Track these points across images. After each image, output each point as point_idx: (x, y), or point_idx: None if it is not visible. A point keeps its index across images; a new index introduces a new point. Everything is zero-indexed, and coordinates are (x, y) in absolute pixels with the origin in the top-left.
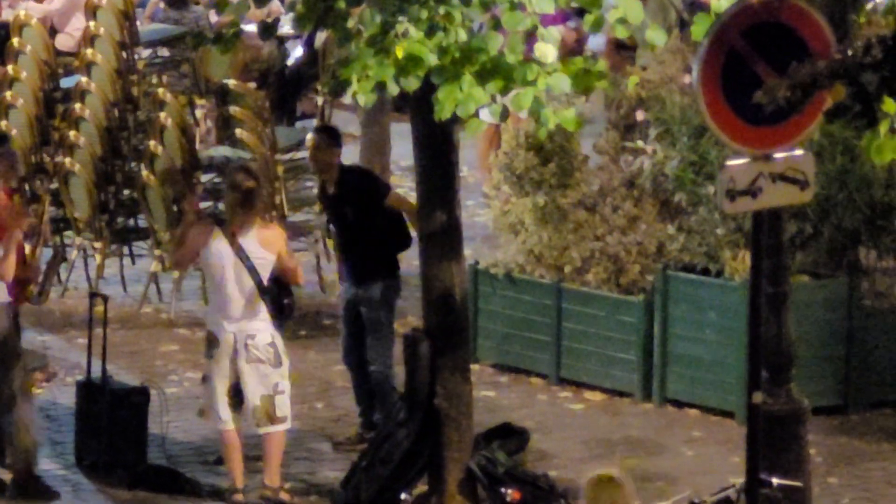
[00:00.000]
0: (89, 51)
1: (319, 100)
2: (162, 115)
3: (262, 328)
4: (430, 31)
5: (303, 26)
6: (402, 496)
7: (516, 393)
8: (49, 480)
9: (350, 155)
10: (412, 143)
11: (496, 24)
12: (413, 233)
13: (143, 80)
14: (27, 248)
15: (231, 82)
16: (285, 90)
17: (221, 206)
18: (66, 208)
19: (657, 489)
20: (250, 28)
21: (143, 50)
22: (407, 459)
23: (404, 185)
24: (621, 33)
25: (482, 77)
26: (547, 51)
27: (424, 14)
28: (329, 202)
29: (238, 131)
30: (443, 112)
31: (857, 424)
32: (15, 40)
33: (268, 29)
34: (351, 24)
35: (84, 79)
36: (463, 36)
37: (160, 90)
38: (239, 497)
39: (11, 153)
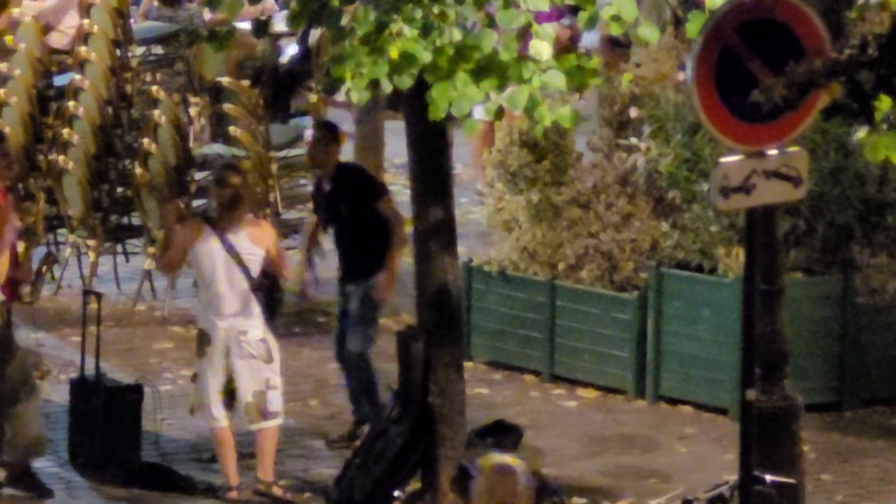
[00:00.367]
0: (83, 48)
1: (313, 97)
2: (156, 112)
3: (254, 324)
4: (425, 31)
5: (297, 24)
6: (396, 493)
7: (510, 390)
8: (43, 478)
9: (344, 153)
10: (406, 141)
11: (490, 22)
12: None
13: (137, 77)
14: (21, 247)
15: (225, 80)
16: (279, 88)
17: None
18: (59, 206)
19: (651, 486)
20: (244, 26)
21: (137, 48)
22: (400, 457)
23: (398, 183)
24: (615, 30)
25: (476, 75)
26: (541, 48)
27: (419, 13)
28: (324, 198)
29: (232, 129)
30: (437, 111)
31: (851, 421)
32: (9, 37)
33: (262, 27)
34: (345, 21)
35: (78, 76)
36: (457, 35)
37: (154, 88)
38: (233, 494)
39: (7, 151)
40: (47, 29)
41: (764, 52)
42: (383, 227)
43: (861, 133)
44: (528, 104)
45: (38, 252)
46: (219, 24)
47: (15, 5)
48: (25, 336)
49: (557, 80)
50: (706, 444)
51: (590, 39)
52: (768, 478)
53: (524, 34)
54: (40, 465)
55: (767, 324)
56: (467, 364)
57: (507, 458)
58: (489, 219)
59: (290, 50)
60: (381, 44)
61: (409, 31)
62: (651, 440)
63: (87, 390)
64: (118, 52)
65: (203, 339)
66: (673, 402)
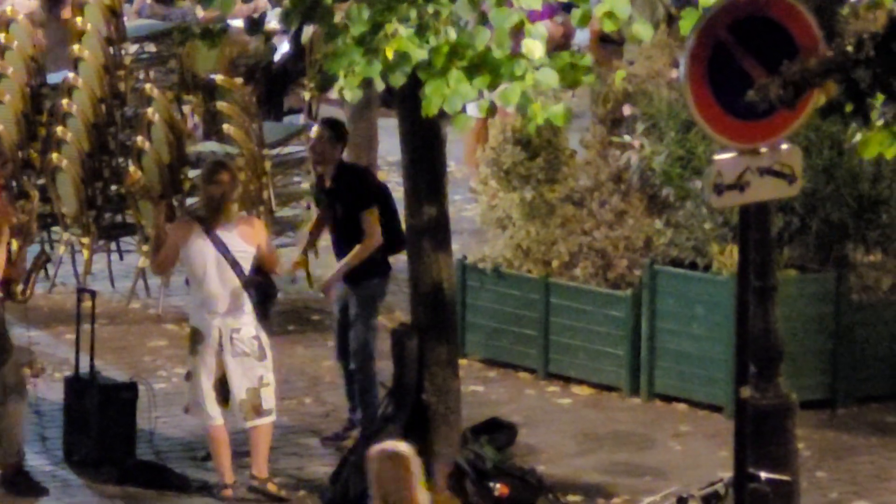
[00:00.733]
0: (76, 46)
1: (306, 95)
2: (149, 110)
3: (247, 322)
4: (420, 31)
5: (289, 22)
6: None
7: (504, 388)
8: (37, 476)
9: None
10: (399, 139)
11: (483, 20)
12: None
13: (131, 75)
14: (14, 245)
15: (218, 78)
16: (272, 85)
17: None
18: (53, 204)
19: (645, 483)
20: (237, 23)
21: (131, 45)
22: None
23: (391, 181)
24: (609, 28)
25: (470, 72)
26: (534, 47)
27: (413, 13)
28: (324, 196)
29: (225, 127)
30: (430, 108)
31: (846, 419)
32: (1, 36)
33: (254, 24)
34: (337, 19)
35: (71, 74)
36: (451, 34)
37: (147, 86)
38: (228, 492)
39: (0, 150)
40: (41, 27)
41: (757, 49)
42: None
43: (859, 134)
44: (521, 102)
45: (32, 250)
46: (212, 22)
47: None
48: (19, 334)
49: (550, 77)
50: (701, 441)
51: (582, 37)
52: (763, 475)
53: (517, 32)
54: (35, 463)
55: (761, 321)
56: (462, 361)
57: (399, 444)
58: (483, 216)
59: (283, 48)
60: (377, 44)
61: (404, 31)
62: (645, 437)
63: (81, 388)
64: (111, 49)
65: (196, 337)
66: (667, 399)
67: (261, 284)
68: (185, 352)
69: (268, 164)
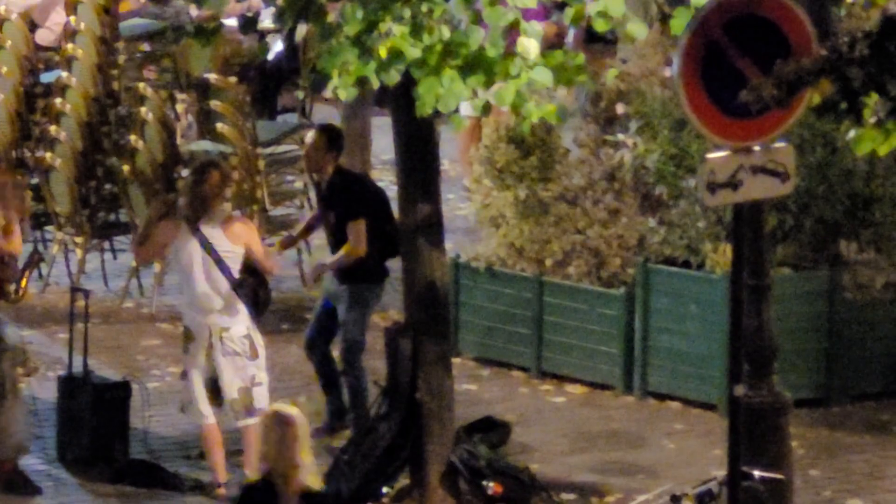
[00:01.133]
0: (70, 45)
1: (300, 94)
2: (143, 109)
3: (237, 321)
4: (414, 30)
5: (283, 21)
6: (384, 490)
7: (498, 386)
8: (31, 475)
9: None
10: (393, 137)
11: (477, 19)
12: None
13: (124, 74)
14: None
15: (212, 77)
16: (266, 84)
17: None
18: (46, 203)
19: (639, 482)
20: (230, 22)
21: (124, 44)
22: (389, 453)
23: (385, 180)
24: (601, 27)
25: (464, 71)
26: (529, 46)
27: (407, 13)
28: (321, 201)
29: (219, 126)
30: (424, 107)
31: (839, 417)
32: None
33: (248, 23)
34: (331, 18)
35: (65, 74)
36: (445, 32)
37: (141, 85)
38: (221, 491)
39: None
40: (34, 26)
41: (750, 48)
42: (373, 236)
43: (852, 131)
44: (516, 100)
45: (25, 249)
46: (206, 21)
47: None
48: (13, 334)
49: (545, 76)
50: (694, 439)
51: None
52: (757, 473)
53: (511, 31)
54: (28, 462)
55: (755, 319)
56: (455, 360)
57: (289, 408)
58: (476, 215)
59: (277, 47)
60: (370, 43)
61: (398, 29)
62: (639, 436)
63: (74, 388)
64: (105, 48)
65: (187, 336)
66: (661, 397)
67: (251, 285)
68: (179, 351)
69: (261, 163)
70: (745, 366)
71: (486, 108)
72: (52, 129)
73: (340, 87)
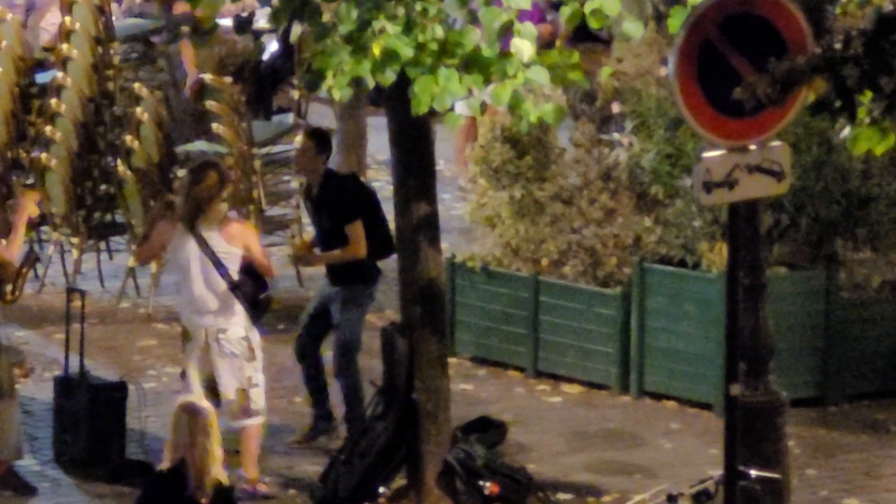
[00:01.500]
0: (65, 46)
1: (295, 94)
2: (138, 109)
3: (235, 322)
4: (408, 28)
5: (278, 20)
6: (381, 490)
7: (494, 386)
8: (27, 476)
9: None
10: (388, 137)
11: (472, 19)
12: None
13: (119, 74)
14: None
15: (207, 77)
16: (261, 84)
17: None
18: (42, 204)
19: (635, 482)
20: (225, 22)
21: (119, 45)
22: (385, 453)
23: (381, 179)
24: (594, 24)
25: (460, 71)
26: (523, 46)
27: (401, 11)
28: (311, 204)
29: (214, 126)
30: (419, 106)
31: (836, 416)
32: None
33: (243, 23)
34: (326, 17)
35: (60, 74)
36: (439, 31)
37: (136, 85)
38: None
39: None
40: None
41: (746, 47)
42: (366, 237)
43: (847, 129)
44: (512, 100)
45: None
46: (200, 22)
47: None
48: (9, 334)
49: (542, 75)
50: (690, 439)
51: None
52: (753, 473)
53: (506, 31)
54: (24, 463)
55: (751, 319)
56: (451, 360)
57: (199, 401)
58: (472, 215)
59: (272, 47)
60: (364, 41)
61: (392, 28)
62: (635, 435)
63: (71, 388)
64: (100, 49)
65: (185, 337)
66: (657, 397)
67: (248, 287)
68: (176, 351)
69: (257, 163)
70: (741, 365)
71: (482, 108)
72: (48, 129)
73: (335, 87)
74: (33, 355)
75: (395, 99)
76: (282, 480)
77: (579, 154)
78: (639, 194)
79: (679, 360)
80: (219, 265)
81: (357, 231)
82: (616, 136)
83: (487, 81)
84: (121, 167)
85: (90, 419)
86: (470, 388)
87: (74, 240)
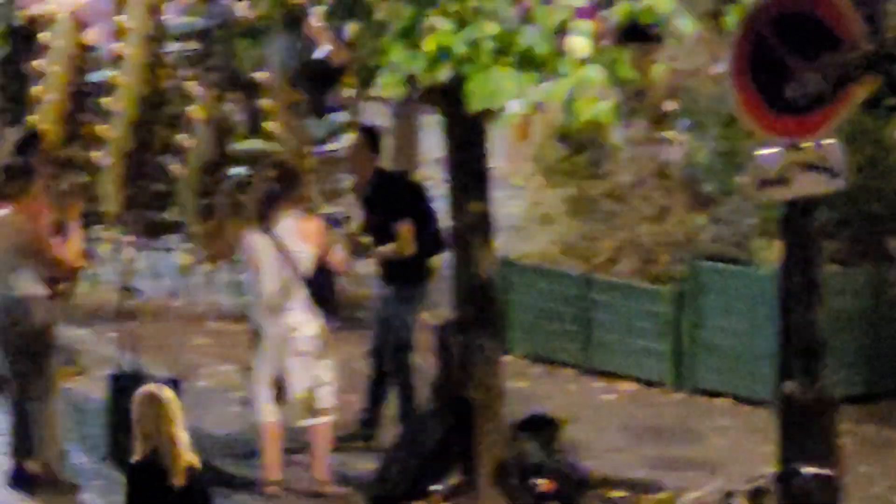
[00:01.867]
0: (119, 45)
1: (349, 92)
2: (192, 108)
3: (306, 320)
4: (460, 25)
5: (332, 19)
6: (436, 487)
7: (548, 383)
8: (80, 474)
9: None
10: (442, 135)
11: (528, 17)
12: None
13: (173, 73)
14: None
15: (260, 75)
16: (314, 83)
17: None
18: (96, 202)
19: (689, 479)
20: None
21: (173, 43)
22: (439, 451)
23: (434, 177)
24: (645, 20)
25: (515, 69)
26: (578, 44)
27: (454, 8)
28: (362, 202)
29: (268, 124)
30: (473, 104)
31: (887, 412)
32: (45, 35)
33: (296, 22)
34: (380, 16)
35: (114, 73)
36: (493, 29)
37: (190, 84)
38: (273, 489)
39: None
40: (83, 25)
41: (800, 44)
42: (417, 235)
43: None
44: (567, 98)
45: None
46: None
47: None
48: (63, 332)
49: (597, 73)
50: (744, 436)
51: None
52: (806, 470)
53: (561, 29)
54: (78, 461)
55: (804, 316)
56: (505, 358)
57: (158, 387)
58: (526, 212)
59: (326, 45)
60: (417, 38)
61: (445, 25)
62: (689, 432)
63: (124, 386)
64: (154, 47)
65: (256, 335)
66: (710, 394)
67: (322, 284)
68: (228, 349)
69: (312, 162)
70: (794, 362)
71: (536, 106)
72: (102, 128)
73: (387, 85)
74: (87, 353)
75: (448, 97)
76: (337, 478)
77: (633, 152)
78: (692, 192)
79: (732, 358)
80: (293, 263)
81: (406, 230)
82: (670, 133)
83: (541, 79)
84: (174, 165)
85: None
86: (524, 386)
87: (127, 238)
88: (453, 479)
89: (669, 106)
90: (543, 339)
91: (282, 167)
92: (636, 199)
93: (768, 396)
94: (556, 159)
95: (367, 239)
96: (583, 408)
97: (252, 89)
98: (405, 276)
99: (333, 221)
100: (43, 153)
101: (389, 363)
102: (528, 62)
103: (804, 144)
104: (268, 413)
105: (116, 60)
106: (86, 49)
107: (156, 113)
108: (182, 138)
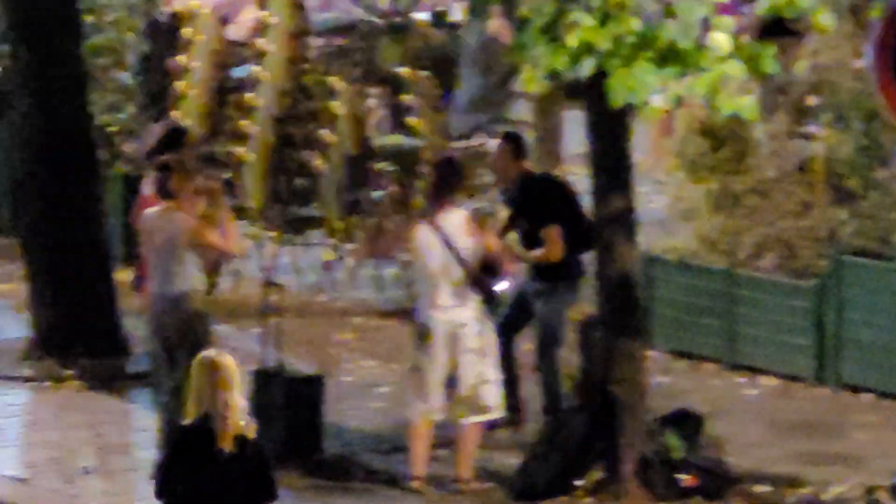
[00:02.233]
0: (261, 40)
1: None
2: (335, 103)
3: (473, 317)
4: (604, 20)
5: (476, 13)
6: (578, 483)
7: (691, 378)
8: None
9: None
10: (585, 130)
11: (670, 13)
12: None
13: (316, 68)
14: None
15: (403, 70)
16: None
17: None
18: (238, 198)
19: (833, 473)
20: (421, 16)
21: (316, 39)
22: (582, 446)
23: (578, 173)
24: (788, 13)
25: (657, 63)
26: (721, 40)
27: (596, 3)
28: (509, 204)
29: (411, 119)
30: (616, 99)
31: None
32: (188, 30)
33: (439, 17)
34: (523, 11)
35: (257, 68)
36: (636, 24)
37: (332, 79)
38: (416, 484)
39: (187, 143)
40: (225, 21)
41: None
42: (566, 235)
43: None
44: (708, 92)
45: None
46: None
47: None
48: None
49: (737, 69)
50: (888, 431)
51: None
52: None
53: (703, 24)
54: None
55: None
56: (648, 353)
57: (217, 353)
58: (669, 207)
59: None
60: (559, 34)
61: (588, 20)
62: (832, 427)
63: (268, 381)
64: (296, 43)
65: (422, 333)
66: (854, 389)
67: (486, 280)
68: (371, 345)
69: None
70: None
71: (679, 100)
72: (244, 123)
73: (531, 81)
74: (231, 349)
75: (591, 92)
76: (481, 473)
77: (775, 146)
78: (835, 187)
79: (876, 353)
80: (461, 260)
81: (553, 235)
82: (812, 128)
83: (683, 74)
84: (317, 161)
85: (287, 412)
86: (667, 381)
87: (271, 234)
88: (596, 475)
89: (811, 101)
90: (686, 334)
91: (446, 162)
92: (778, 193)
93: None
94: (698, 154)
95: (513, 236)
96: (726, 403)
97: (394, 84)
98: (556, 274)
99: (474, 217)
100: (188, 149)
101: (537, 359)
102: (670, 57)
103: None
104: (435, 410)
105: (259, 56)
106: (228, 45)
107: (298, 108)
108: (324, 133)
